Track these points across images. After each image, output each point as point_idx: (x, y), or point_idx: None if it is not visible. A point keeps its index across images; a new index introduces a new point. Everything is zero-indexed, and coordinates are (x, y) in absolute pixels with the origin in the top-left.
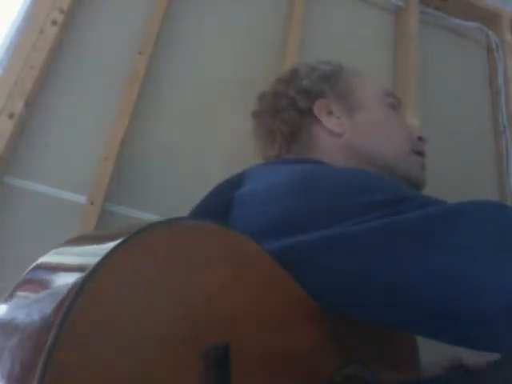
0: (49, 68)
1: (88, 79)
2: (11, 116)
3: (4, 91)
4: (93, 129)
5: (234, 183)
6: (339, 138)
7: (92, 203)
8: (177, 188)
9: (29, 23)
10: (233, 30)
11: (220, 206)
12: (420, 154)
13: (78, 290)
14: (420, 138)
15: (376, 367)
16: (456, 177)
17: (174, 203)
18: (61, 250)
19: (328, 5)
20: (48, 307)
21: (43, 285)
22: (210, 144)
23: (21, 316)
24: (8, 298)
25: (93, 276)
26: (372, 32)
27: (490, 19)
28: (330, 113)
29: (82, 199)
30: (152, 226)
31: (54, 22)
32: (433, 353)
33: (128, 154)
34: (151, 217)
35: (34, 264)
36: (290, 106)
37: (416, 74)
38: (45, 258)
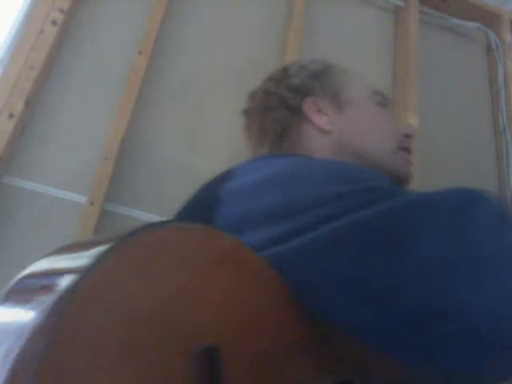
0: (49, 68)
1: (88, 79)
2: (11, 116)
3: (4, 91)
4: (93, 129)
5: (222, 179)
6: (328, 135)
7: (92, 203)
8: (177, 188)
9: (29, 23)
10: (232, 30)
11: (208, 201)
12: (407, 150)
13: (68, 294)
14: (407, 135)
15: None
16: (456, 177)
17: (174, 203)
18: (47, 259)
19: (328, 5)
20: (38, 311)
21: (31, 291)
22: (210, 144)
23: (10, 320)
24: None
25: (83, 279)
26: (372, 32)
27: (490, 19)
28: (319, 110)
29: (82, 199)
30: (140, 230)
31: (54, 22)
32: None
33: (128, 154)
34: (151, 217)
35: (21, 274)
36: (280, 104)
37: (416, 73)
38: (31, 268)
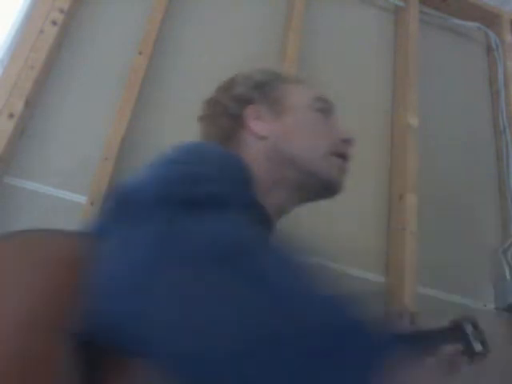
0: (49, 68)
1: (88, 79)
2: (11, 116)
3: (4, 91)
4: (93, 129)
5: None
6: (263, 140)
7: (92, 203)
8: None
9: (29, 23)
10: (232, 31)
11: None
12: (342, 156)
13: None
14: (346, 140)
15: None
16: (456, 177)
17: None
18: None
19: (328, 5)
20: None
21: None
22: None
23: None
24: None
25: None
26: (372, 32)
27: (490, 19)
28: (258, 117)
29: (82, 199)
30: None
31: (54, 22)
32: None
33: (128, 154)
34: None
35: None
36: (223, 113)
37: (416, 73)
38: None
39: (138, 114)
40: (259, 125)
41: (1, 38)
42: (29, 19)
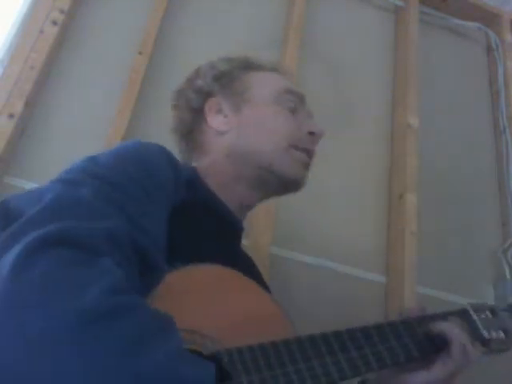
0: (49, 68)
1: (88, 79)
2: (11, 116)
3: (4, 91)
4: (93, 129)
5: None
6: (223, 135)
7: None
8: None
9: (29, 23)
10: (232, 30)
11: None
12: (306, 151)
13: None
14: (311, 134)
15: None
16: (456, 177)
17: None
18: None
19: (328, 5)
20: None
21: None
22: None
23: None
24: None
25: None
26: (372, 32)
27: (490, 19)
28: (219, 111)
29: None
30: None
31: (54, 22)
32: None
33: None
34: None
35: None
36: (185, 106)
37: (416, 73)
38: None
39: (138, 114)
40: (218, 119)
41: (1, 38)
42: (29, 19)
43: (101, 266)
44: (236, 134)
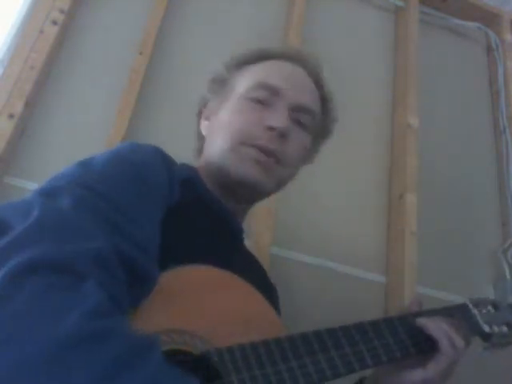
0: (49, 68)
1: (88, 79)
2: (11, 116)
3: (4, 91)
4: (93, 129)
5: None
6: (206, 141)
7: None
8: None
9: (29, 23)
10: (232, 31)
11: None
12: (260, 147)
13: None
14: (270, 128)
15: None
16: (456, 177)
17: None
18: None
19: (328, 5)
20: None
21: None
22: None
23: None
24: None
25: None
26: (372, 32)
27: (490, 19)
28: (207, 116)
29: None
30: None
31: (54, 22)
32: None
33: None
34: None
35: None
36: (199, 111)
37: (416, 74)
38: None
39: (138, 114)
40: (203, 124)
41: (1, 38)
42: (29, 19)
43: (83, 289)
44: (208, 139)
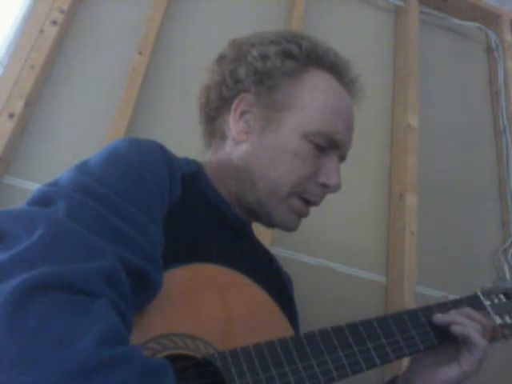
0: (49, 68)
1: (88, 79)
2: (11, 116)
3: (4, 91)
4: (93, 129)
5: None
6: (237, 146)
7: None
8: None
9: (29, 23)
10: (232, 31)
11: None
12: (308, 202)
13: None
14: (324, 185)
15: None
16: (456, 177)
17: None
18: None
19: (328, 5)
20: None
21: None
22: None
23: None
24: None
25: None
26: (372, 32)
27: (490, 19)
28: (245, 114)
29: None
30: None
31: (54, 22)
32: None
33: None
34: None
35: None
36: (218, 87)
37: (416, 73)
38: None
39: (138, 114)
40: (239, 126)
41: (1, 38)
42: (29, 19)
43: (94, 311)
44: (250, 151)
